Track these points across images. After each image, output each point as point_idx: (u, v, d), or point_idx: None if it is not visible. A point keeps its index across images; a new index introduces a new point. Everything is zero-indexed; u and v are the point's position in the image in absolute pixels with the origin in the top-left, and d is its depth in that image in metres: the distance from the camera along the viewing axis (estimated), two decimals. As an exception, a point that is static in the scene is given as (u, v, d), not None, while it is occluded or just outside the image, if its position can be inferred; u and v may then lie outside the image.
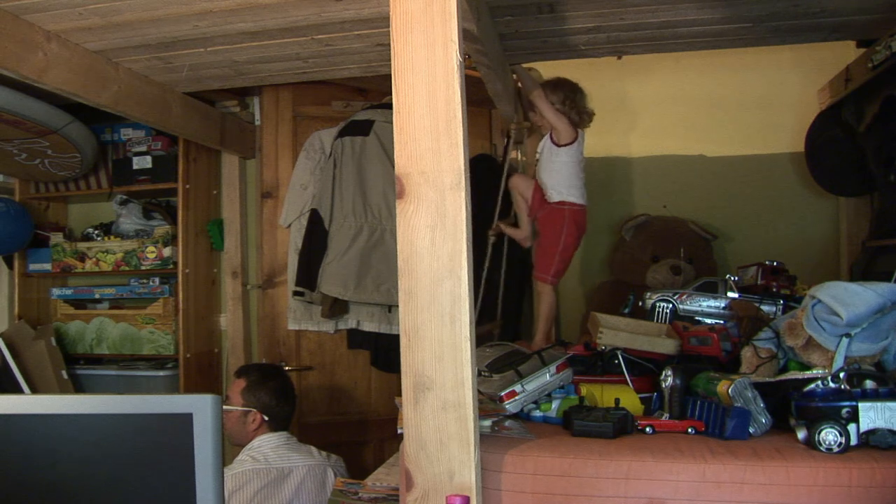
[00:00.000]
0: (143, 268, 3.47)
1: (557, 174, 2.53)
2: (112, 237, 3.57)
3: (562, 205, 2.52)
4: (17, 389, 3.03)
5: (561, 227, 2.51)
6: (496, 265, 2.98)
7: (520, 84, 2.73)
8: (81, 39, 2.35)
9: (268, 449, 2.23)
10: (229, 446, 2.33)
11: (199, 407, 1.03)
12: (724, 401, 1.52)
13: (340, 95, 3.50)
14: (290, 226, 3.44)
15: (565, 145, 2.51)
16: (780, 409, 1.53)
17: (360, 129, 3.22)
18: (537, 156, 2.65)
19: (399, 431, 1.41)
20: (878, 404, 1.40)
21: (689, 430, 1.53)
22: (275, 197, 3.51)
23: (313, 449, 2.31)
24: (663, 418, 1.64)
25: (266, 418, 2.29)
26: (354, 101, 3.48)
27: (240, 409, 2.30)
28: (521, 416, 1.72)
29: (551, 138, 2.55)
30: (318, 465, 2.25)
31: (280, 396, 2.34)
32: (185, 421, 1.02)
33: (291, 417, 2.40)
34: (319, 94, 3.49)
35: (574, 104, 2.56)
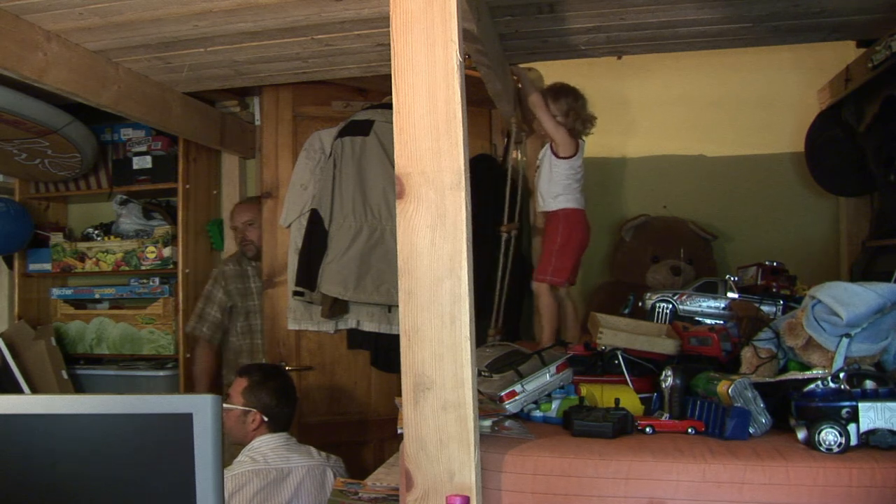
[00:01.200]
0: (143, 268, 3.47)
1: (556, 185, 2.54)
2: (112, 237, 3.57)
3: (557, 211, 2.56)
4: (17, 389, 3.03)
5: (556, 229, 2.54)
6: (501, 264, 2.98)
7: (520, 88, 2.72)
8: (81, 39, 2.35)
9: (267, 449, 2.23)
10: (229, 446, 2.33)
11: (199, 407, 1.02)
12: (724, 401, 1.52)
13: (340, 95, 3.49)
14: (290, 226, 3.43)
15: (565, 157, 2.53)
16: (780, 410, 1.53)
17: (360, 129, 3.21)
18: (538, 163, 2.65)
19: (399, 431, 1.41)
20: (878, 404, 1.40)
21: (689, 430, 1.53)
22: (275, 197, 3.49)
23: (313, 449, 2.31)
24: (663, 418, 1.64)
25: (266, 419, 2.29)
26: (354, 101, 3.47)
27: (240, 408, 2.30)
28: (521, 416, 1.72)
29: (551, 149, 2.56)
30: (317, 465, 2.25)
31: (281, 397, 2.33)
32: (185, 421, 1.02)
33: (292, 418, 2.40)
34: (319, 94, 3.47)
35: (577, 115, 2.56)
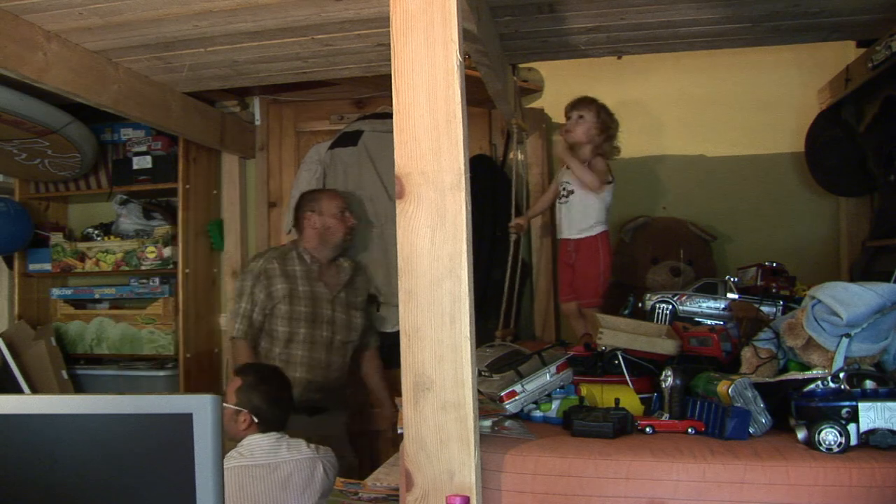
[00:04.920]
0: (143, 268, 3.48)
1: (599, 213, 2.63)
2: (112, 237, 3.57)
3: (597, 235, 2.64)
4: (17, 389, 3.03)
5: (596, 252, 2.63)
6: (500, 264, 3.00)
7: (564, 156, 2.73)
8: (81, 39, 2.35)
9: (255, 446, 2.23)
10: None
11: (199, 407, 1.02)
12: (724, 401, 1.52)
13: (338, 109, 3.62)
14: (290, 232, 3.50)
15: (607, 183, 2.63)
16: (780, 410, 1.53)
17: (349, 139, 3.35)
18: (566, 194, 2.69)
19: (399, 431, 1.41)
20: (878, 404, 1.40)
21: (689, 430, 1.53)
22: (279, 207, 3.66)
23: (303, 443, 2.30)
24: (663, 418, 1.64)
25: (256, 420, 2.29)
26: (349, 114, 3.58)
27: (232, 407, 2.30)
28: (521, 416, 1.72)
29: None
30: (306, 459, 2.25)
31: (272, 401, 2.32)
32: (185, 421, 1.02)
33: (285, 421, 2.36)
34: (320, 110, 3.63)
35: (609, 136, 2.65)
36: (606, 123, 2.64)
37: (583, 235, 2.64)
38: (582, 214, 2.64)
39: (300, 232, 3.04)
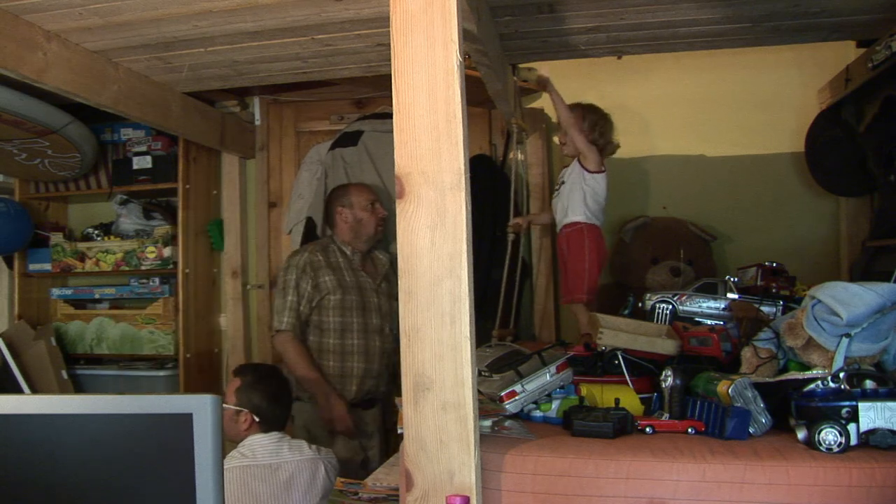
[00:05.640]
0: (143, 268, 3.48)
1: (587, 199, 2.58)
2: (112, 237, 3.57)
3: (582, 227, 2.58)
4: (17, 389, 3.03)
5: (582, 246, 2.57)
6: (500, 264, 3.01)
7: (555, 109, 2.69)
8: (81, 39, 2.35)
9: (257, 446, 2.23)
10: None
11: (199, 407, 1.02)
12: (724, 401, 1.52)
13: (338, 110, 3.63)
14: (290, 232, 3.54)
15: (598, 172, 2.57)
16: (780, 410, 1.53)
17: (349, 140, 3.36)
18: (558, 186, 2.67)
19: (399, 431, 1.41)
20: (878, 404, 1.40)
21: (689, 430, 1.53)
22: (279, 207, 3.68)
23: (304, 444, 2.31)
24: (663, 418, 1.64)
25: (257, 419, 2.29)
26: (349, 114, 3.60)
27: (232, 408, 2.30)
28: (521, 416, 1.72)
29: (581, 164, 2.60)
30: (307, 459, 2.25)
31: (272, 400, 2.32)
32: (185, 421, 1.02)
33: (286, 419, 2.38)
34: (320, 111, 3.66)
35: (602, 133, 2.62)
36: (594, 122, 2.61)
37: (568, 220, 2.60)
38: (569, 198, 2.61)
39: (333, 227, 3.05)
